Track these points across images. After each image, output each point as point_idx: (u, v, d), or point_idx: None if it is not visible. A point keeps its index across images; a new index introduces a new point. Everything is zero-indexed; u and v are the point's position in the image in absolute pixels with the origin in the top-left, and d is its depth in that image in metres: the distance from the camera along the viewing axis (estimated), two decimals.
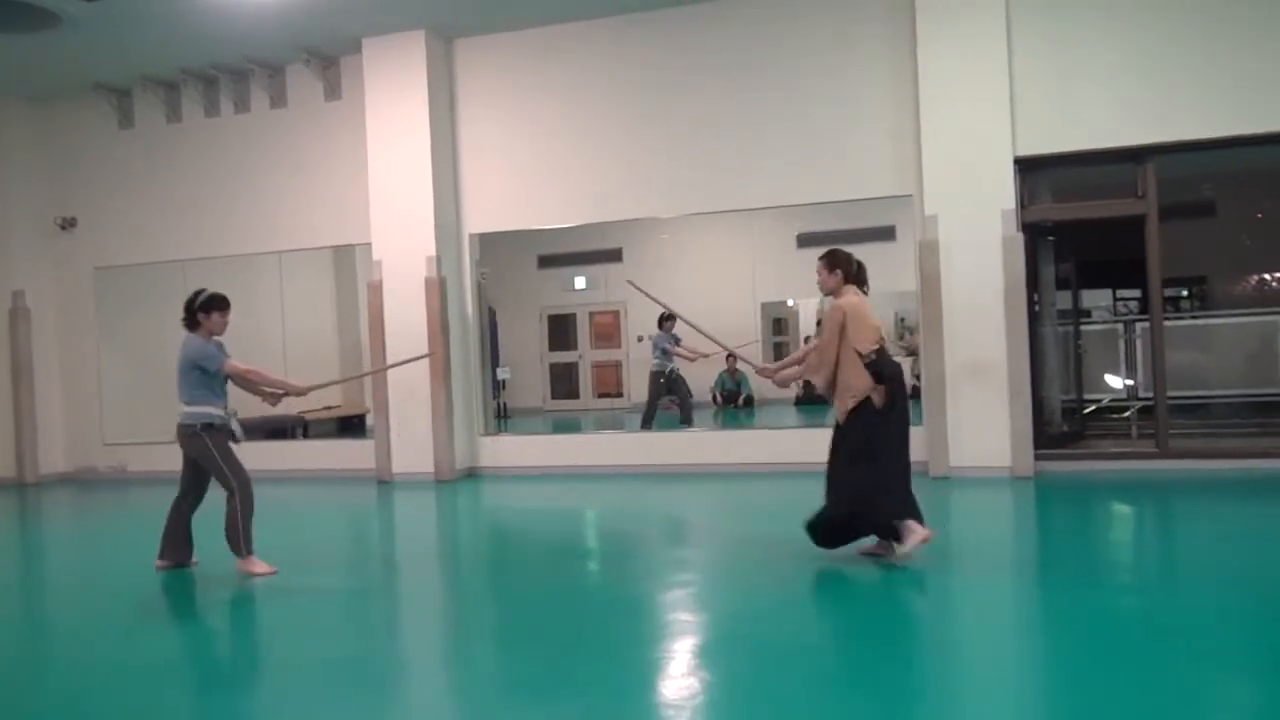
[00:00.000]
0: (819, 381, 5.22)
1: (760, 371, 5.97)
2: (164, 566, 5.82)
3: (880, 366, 5.06)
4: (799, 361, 5.75)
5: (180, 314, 5.69)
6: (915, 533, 5.02)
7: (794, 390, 14.08)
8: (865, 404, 5.05)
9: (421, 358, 8.22)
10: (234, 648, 4.67)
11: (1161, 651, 3.78)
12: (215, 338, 5.68)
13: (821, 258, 5.31)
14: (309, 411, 11.62)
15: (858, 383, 5.04)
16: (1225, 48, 7.77)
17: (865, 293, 5.32)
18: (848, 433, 5.14)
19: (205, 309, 5.63)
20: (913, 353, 10.11)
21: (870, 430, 5.06)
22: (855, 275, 5.28)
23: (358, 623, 4.84)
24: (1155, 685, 3.40)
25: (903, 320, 12.84)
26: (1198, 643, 3.84)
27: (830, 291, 5.30)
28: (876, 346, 5.09)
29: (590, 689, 3.61)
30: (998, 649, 4.01)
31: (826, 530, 5.27)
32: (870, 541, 5.32)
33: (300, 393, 5.84)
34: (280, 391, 5.83)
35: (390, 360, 9.10)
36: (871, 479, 5.04)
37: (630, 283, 7.51)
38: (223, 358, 5.63)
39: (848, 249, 5.35)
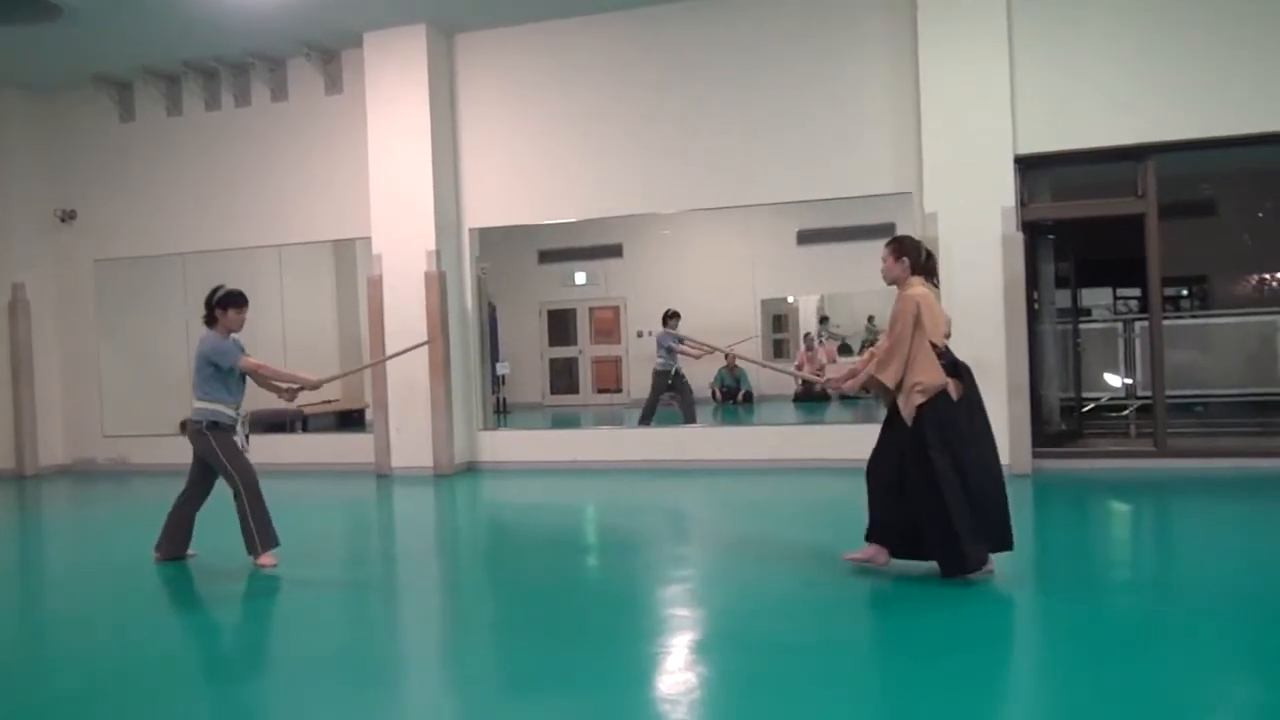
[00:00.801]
0: (888, 378, 4.68)
1: (828, 384, 5.68)
2: (161, 558, 5.83)
3: (954, 358, 4.76)
4: (863, 367, 5.03)
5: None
6: (985, 565, 4.69)
7: (793, 386, 14.10)
8: (936, 400, 4.61)
9: (420, 345, 8.26)
10: (231, 640, 4.67)
11: (1159, 652, 3.79)
12: (233, 335, 5.67)
13: (888, 244, 4.88)
14: (308, 405, 11.64)
15: (928, 378, 4.60)
16: (1225, 47, 7.77)
17: (935, 284, 4.89)
18: (918, 433, 4.64)
19: (222, 305, 5.62)
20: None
21: (945, 428, 4.61)
22: (923, 265, 4.84)
23: (356, 616, 4.85)
24: (1151, 686, 3.41)
25: None
26: (1195, 643, 3.85)
27: (895, 281, 4.83)
28: (949, 338, 4.80)
29: (587, 683, 3.62)
30: (993, 648, 4.02)
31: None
32: (858, 550, 5.07)
33: (314, 386, 5.90)
34: (295, 386, 5.86)
35: (389, 352, 9.12)
36: (959, 506, 4.57)
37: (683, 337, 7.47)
38: (239, 354, 5.61)
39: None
